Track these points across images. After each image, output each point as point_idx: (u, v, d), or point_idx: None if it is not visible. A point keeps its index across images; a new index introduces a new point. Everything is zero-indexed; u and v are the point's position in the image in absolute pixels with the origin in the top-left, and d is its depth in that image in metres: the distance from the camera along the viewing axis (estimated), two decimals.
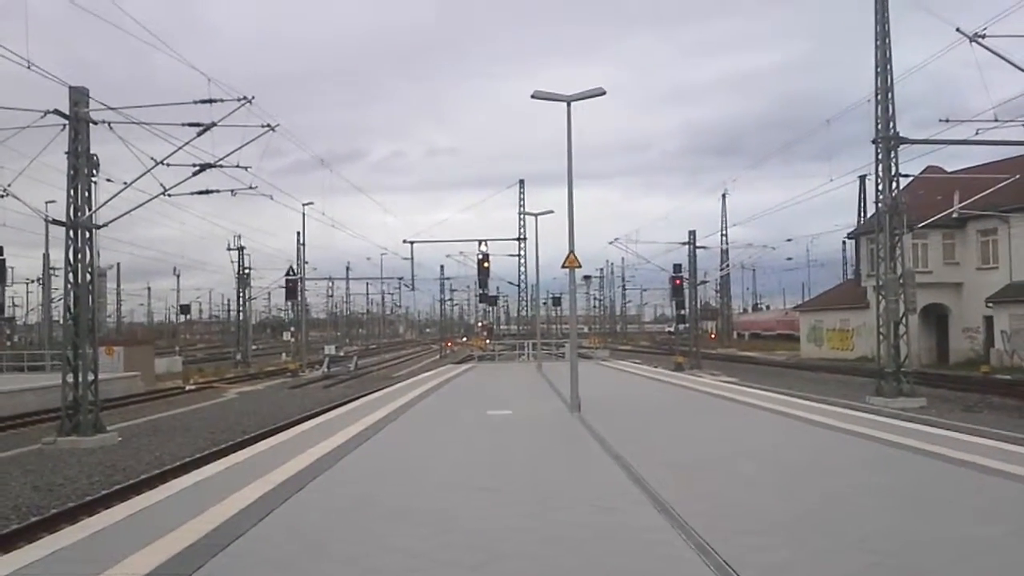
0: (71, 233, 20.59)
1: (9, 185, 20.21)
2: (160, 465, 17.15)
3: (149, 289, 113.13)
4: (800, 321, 63.83)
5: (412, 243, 56.22)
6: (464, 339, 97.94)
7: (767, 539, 6.53)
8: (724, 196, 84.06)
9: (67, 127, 20.12)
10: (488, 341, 64.35)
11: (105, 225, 21.66)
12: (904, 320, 28.77)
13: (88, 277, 20.94)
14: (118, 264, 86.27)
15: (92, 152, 20.61)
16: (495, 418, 16.25)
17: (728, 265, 76.43)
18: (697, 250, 52.75)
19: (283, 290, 57.86)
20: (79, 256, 20.69)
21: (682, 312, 56.01)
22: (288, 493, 8.63)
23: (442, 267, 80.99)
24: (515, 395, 22.01)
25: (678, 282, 52.43)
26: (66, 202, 20.68)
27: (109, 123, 20.46)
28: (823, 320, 57.87)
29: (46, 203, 33.86)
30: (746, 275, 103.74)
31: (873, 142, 28.66)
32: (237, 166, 21.86)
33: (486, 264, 49.21)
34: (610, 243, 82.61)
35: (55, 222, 21.94)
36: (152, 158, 20.88)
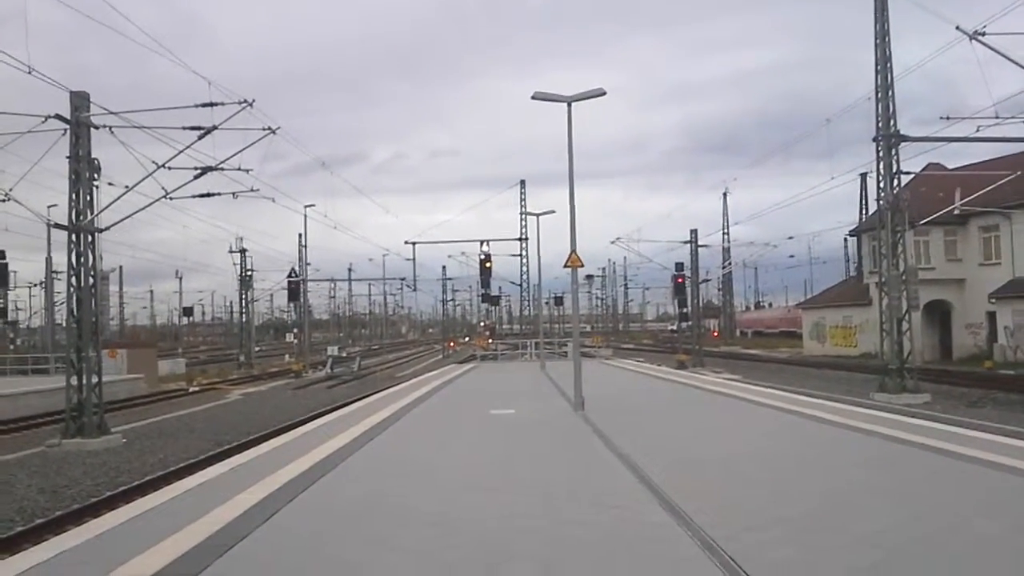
0: (73, 237, 20.62)
1: (11, 189, 20.32)
2: (164, 467, 17.16)
3: (152, 292, 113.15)
4: (803, 318, 63.82)
5: (414, 244, 56.27)
6: (467, 339, 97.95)
7: (773, 536, 6.52)
8: (725, 194, 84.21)
9: (68, 131, 20.16)
10: (491, 341, 64.36)
11: (107, 228, 21.74)
12: (907, 316, 28.74)
13: (91, 280, 20.96)
14: (120, 267, 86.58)
15: (93, 156, 20.66)
16: (499, 417, 16.26)
17: (730, 263, 76.57)
18: (699, 248, 52.87)
19: (286, 292, 57.89)
20: (81, 259, 20.72)
21: (684, 310, 55.99)
22: (292, 494, 8.64)
23: (444, 267, 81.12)
24: (518, 394, 22.01)
25: (680, 280, 52.48)
26: (68, 206, 20.73)
27: (110, 127, 20.49)
28: (826, 317, 57.83)
29: (48, 207, 34.02)
30: (748, 273, 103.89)
31: (874, 140, 28.66)
32: (238, 169, 21.88)
33: (488, 264, 49.20)
34: (612, 242, 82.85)
35: (57, 226, 21.98)
36: (153, 161, 20.94)
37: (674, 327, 76.83)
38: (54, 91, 19.72)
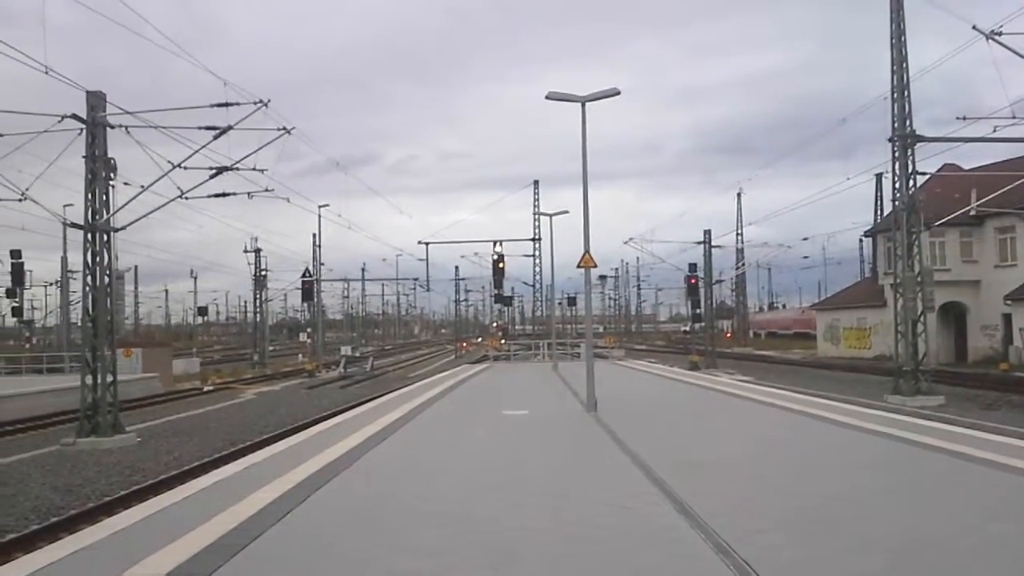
0: (89, 236, 20.74)
1: (27, 189, 20.41)
2: (179, 466, 17.24)
3: (167, 291, 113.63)
4: (817, 320, 63.52)
5: (427, 244, 56.34)
6: (479, 339, 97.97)
7: (785, 538, 6.51)
8: (739, 195, 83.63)
9: (84, 131, 20.28)
10: (503, 341, 64.36)
11: (123, 228, 21.82)
12: (922, 318, 28.60)
13: (106, 280, 21.08)
14: (136, 267, 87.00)
15: (110, 156, 20.77)
16: (511, 418, 16.26)
17: (744, 264, 76.23)
18: (712, 249, 52.74)
19: (299, 291, 57.98)
20: (97, 259, 20.83)
21: (698, 311, 55.83)
22: (306, 493, 8.66)
23: (457, 268, 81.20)
24: (531, 395, 22.01)
25: (693, 281, 52.35)
26: (84, 205, 20.84)
27: (126, 127, 20.60)
28: (840, 319, 57.55)
29: (64, 206, 34.07)
30: (762, 274, 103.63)
31: (889, 140, 28.53)
32: (253, 169, 21.97)
33: (501, 265, 49.20)
34: (625, 243, 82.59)
35: (73, 225, 22.11)
36: (169, 161, 21.06)
37: (687, 328, 76.63)
38: (71, 91, 19.86)
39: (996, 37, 24.21)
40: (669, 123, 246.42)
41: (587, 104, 17.27)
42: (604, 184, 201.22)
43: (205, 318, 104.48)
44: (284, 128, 21.18)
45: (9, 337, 75.47)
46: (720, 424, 15.10)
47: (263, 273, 62.33)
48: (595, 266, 18.34)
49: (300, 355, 67.14)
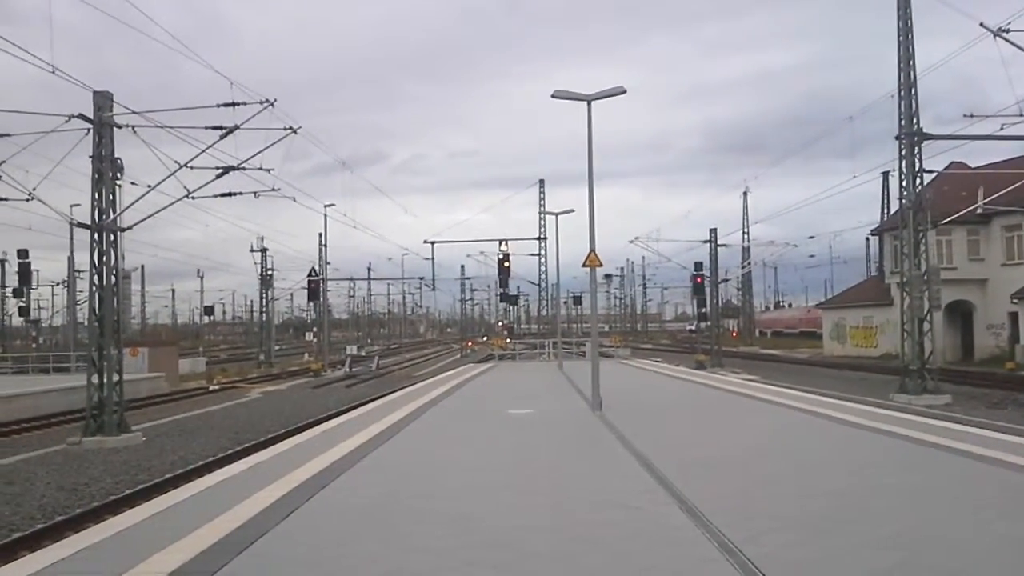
0: (96, 236, 20.77)
1: (35, 189, 20.48)
2: (184, 464, 17.26)
3: (173, 291, 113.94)
4: (823, 318, 63.41)
5: (433, 243, 56.35)
6: (485, 338, 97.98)
7: (792, 537, 6.48)
8: (745, 194, 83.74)
9: (91, 131, 20.29)
10: (509, 340, 64.37)
11: (129, 228, 21.83)
12: (928, 317, 28.53)
13: (113, 279, 21.10)
14: (142, 266, 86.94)
15: (116, 156, 20.78)
16: (517, 417, 16.25)
17: (750, 263, 76.17)
18: (718, 248, 52.67)
19: (305, 291, 58.02)
20: (104, 258, 20.86)
21: (703, 310, 55.79)
22: (311, 492, 8.66)
23: (463, 267, 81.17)
24: (536, 394, 22.00)
25: (699, 280, 52.26)
26: (91, 205, 20.85)
27: (133, 127, 20.61)
28: (846, 317, 57.44)
29: (71, 206, 34.14)
30: (768, 273, 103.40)
31: (896, 138, 28.46)
32: (260, 168, 21.92)
33: (506, 264, 49.20)
34: (631, 242, 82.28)
35: (80, 225, 22.15)
36: (176, 161, 21.06)
37: (693, 327, 76.57)
38: (78, 91, 19.88)
39: (1004, 35, 24.11)
40: (676, 121, 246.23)
41: (593, 103, 17.24)
42: (610, 183, 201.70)
43: (211, 317, 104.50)
44: (290, 127, 21.15)
45: (16, 336, 75.65)
46: (726, 423, 15.06)
47: (269, 273, 62.46)
48: (601, 265, 18.32)
49: (306, 354, 67.28)
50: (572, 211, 34.05)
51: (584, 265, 18.08)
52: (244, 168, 21.73)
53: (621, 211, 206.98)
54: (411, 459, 11.18)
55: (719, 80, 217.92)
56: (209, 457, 18.07)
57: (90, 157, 20.59)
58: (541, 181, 68.39)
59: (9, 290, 60.34)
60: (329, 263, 61.94)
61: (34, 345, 61.32)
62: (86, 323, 33.20)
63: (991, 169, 41.08)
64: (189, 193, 21.68)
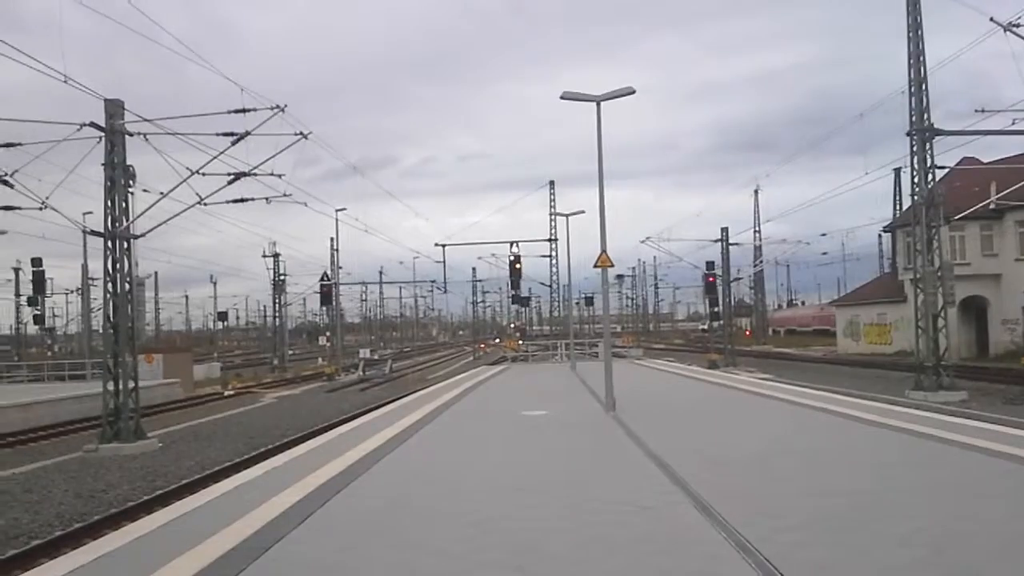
0: (109, 243, 20.88)
1: (48, 197, 20.61)
2: (201, 470, 17.33)
3: (187, 297, 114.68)
4: (836, 316, 63.17)
5: (444, 246, 56.50)
6: (497, 341, 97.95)
7: (808, 536, 6.47)
8: (756, 192, 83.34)
9: (103, 139, 20.41)
10: (521, 342, 64.33)
11: (142, 235, 21.96)
12: (943, 313, 28.41)
13: (127, 286, 21.21)
14: (156, 273, 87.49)
15: (128, 163, 20.88)
16: (530, 418, 16.24)
17: (762, 261, 75.90)
18: (730, 247, 52.57)
19: (318, 295, 58.14)
20: (117, 266, 20.97)
21: (716, 309, 55.64)
22: (326, 496, 8.69)
23: (474, 269, 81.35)
24: (549, 395, 21.99)
25: (711, 279, 52.15)
26: (103, 213, 20.96)
27: (145, 135, 20.70)
28: (860, 315, 57.21)
29: (84, 214, 34.26)
30: (780, 271, 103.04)
31: (908, 134, 28.35)
32: (271, 174, 22.02)
33: (518, 265, 49.19)
34: (642, 242, 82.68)
35: (93, 233, 22.29)
36: (187, 168, 21.13)
37: (705, 326, 76.38)
38: (90, 100, 19.99)
39: (1014, 29, 24.02)
40: (686, 121, 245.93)
41: (602, 103, 17.23)
42: (621, 183, 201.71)
43: (225, 323, 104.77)
44: (301, 133, 21.24)
45: (31, 344, 76.07)
46: (740, 422, 15.02)
47: (282, 278, 62.58)
48: (612, 265, 18.30)
49: (319, 359, 67.36)
50: (583, 212, 33.99)
51: (595, 266, 18.07)
52: (255, 174, 21.82)
53: (632, 211, 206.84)
54: (426, 462, 11.20)
55: (727, 79, 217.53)
56: (225, 462, 18.15)
57: (102, 165, 20.71)
58: (552, 182, 68.63)
59: (24, 298, 60.64)
60: (341, 267, 62.22)
61: (49, 353, 61.68)
62: (100, 330, 33.34)
63: (1003, 164, 40.80)
64: (201, 200, 21.75)
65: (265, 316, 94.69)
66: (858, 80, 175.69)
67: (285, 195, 23.93)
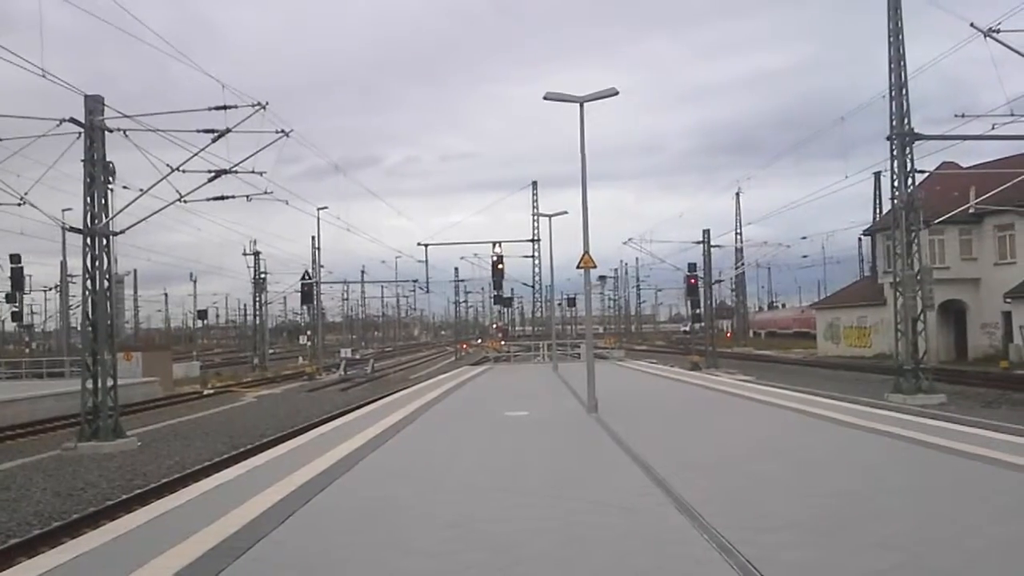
0: (88, 240, 20.72)
1: (26, 193, 20.43)
2: (180, 469, 17.23)
3: (166, 295, 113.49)
4: (817, 319, 63.57)
5: (426, 246, 56.26)
6: (479, 341, 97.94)
7: (790, 538, 6.49)
8: (738, 194, 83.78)
9: (83, 135, 20.25)
10: (503, 343, 64.34)
11: (122, 232, 21.77)
12: (922, 316, 28.59)
13: (106, 284, 21.05)
14: (135, 270, 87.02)
15: (108, 160, 20.72)
16: (513, 419, 16.25)
17: (743, 263, 76.27)
18: (712, 249, 52.66)
19: (299, 294, 58.04)
20: (96, 263, 20.81)
21: (697, 311, 55.84)
22: (308, 496, 8.65)
23: (456, 269, 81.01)
24: (532, 396, 22.00)
25: (693, 281, 52.36)
26: (83, 209, 20.81)
27: (124, 131, 20.57)
28: (840, 317, 57.58)
29: (63, 211, 34.21)
30: (761, 273, 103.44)
31: (888, 138, 28.51)
32: (252, 172, 21.90)
33: (500, 266, 49.19)
34: (624, 243, 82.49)
35: (72, 229, 22.10)
36: (168, 165, 21.01)
37: (687, 328, 76.60)
38: (69, 95, 19.83)
39: (994, 35, 24.22)
40: (670, 123, 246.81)
41: (586, 104, 17.26)
42: (604, 184, 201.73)
43: (205, 321, 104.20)
44: (282, 131, 21.15)
45: (9, 342, 75.47)
46: (722, 424, 15.07)
47: (262, 276, 62.32)
48: (595, 267, 18.33)
49: (300, 358, 67.15)
50: (566, 213, 34.12)
51: (578, 267, 18.11)
52: (236, 171, 21.72)
53: (615, 212, 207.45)
54: (408, 462, 11.17)
55: (712, 82, 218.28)
56: (205, 462, 18.05)
57: (82, 161, 20.54)
58: (534, 183, 68.41)
59: (2, 295, 60.07)
60: (323, 266, 61.90)
61: (27, 350, 61.13)
62: (79, 328, 33.07)
63: (983, 168, 41.24)
64: (181, 197, 21.62)
65: (245, 315, 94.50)
66: (843, 84, 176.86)
67: (266, 193, 23.82)
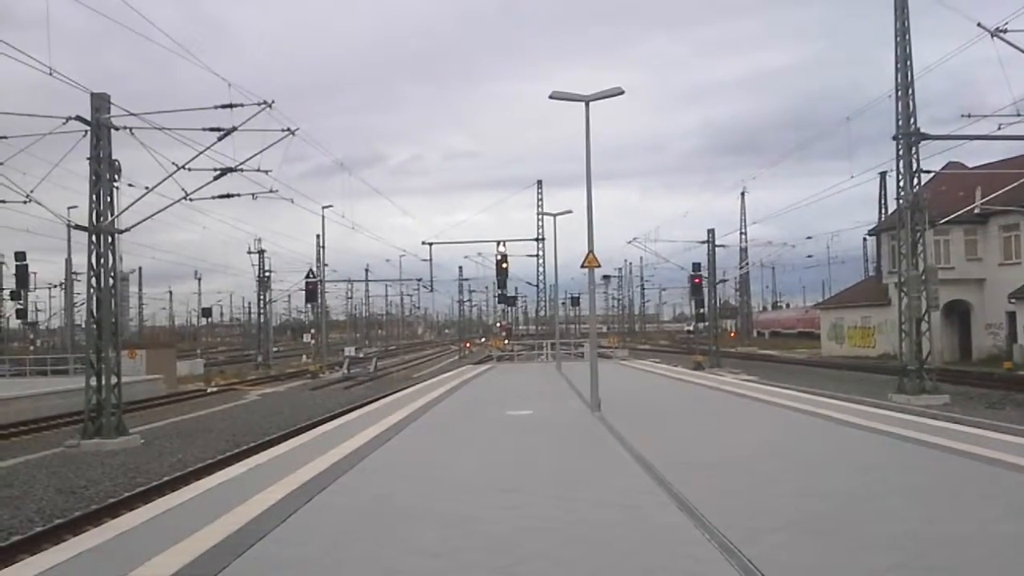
0: (93, 238, 20.75)
1: (32, 191, 20.46)
2: (183, 467, 17.24)
3: (171, 293, 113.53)
4: (821, 319, 63.46)
5: (431, 244, 56.38)
6: (483, 340, 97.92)
7: (791, 538, 6.48)
8: (743, 194, 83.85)
9: (89, 133, 20.28)
10: (507, 341, 64.31)
11: (127, 230, 21.80)
12: (926, 317, 28.55)
13: (110, 281, 21.08)
14: (140, 268, 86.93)
15: (114, 158, 20.75)
16: (515, 418, 16.24)
17: (747, 263, 76.27)
18: (716, 248, 52.66)
19: (303, 292, 58.01)
20: (101, 260, 20.84)
21: (701, 311, 55.78)
22: (310, 494, 8.66)
23: (461, 268, 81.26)
24: (535, 395, 21.99)
25: (697, 281, 52.27)
26: (88, 207, 20.84)
27: (131, 129, 20.59)
28: (844, 318, 57.48)
29: (68, 208, 34.22)
30: (765, 273, 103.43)
31: (894, 138, 28.45)
32: (258, 170, 21.90)
33: (504, 265, 49.12)
34: (629, 243, 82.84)
35: (78, 227, 22.15)
36: (174, 163, 21.04)
37: (691, 328, 76.57)
38: (75, 93, 19.87)
39: (1001, 34, 24.13)
40: (674, 123, 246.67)
41: (591, 104, 17.23)
42: (608, 184, 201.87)
43: (209, 320, 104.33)
44: (288, 129, 21.14)
45: (14, 339, 75.57)
46: (725, 424, 15.06)
47: (267, 274, 62.42)
48: (599, 266, 18.29)
49: (304, 356, 67.21)
50: (570, 212, 33.98)
51: (582, 266, 18.07)
52: (242, 170, 21.74)
53: (619, 212, 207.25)
54: (410, 461, 11.18)
55: (717, 81, 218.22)
56: (208, 460, 18.05)
57: (88, 159, 20.57)
58: (539, 182, 68.68)
59: (7, 292, 60.21)
60: (327, 265, 62.05)
61: (32, 347, 61.22)
62: (84, 325, 33.11)
63: (988, 169, 41.14)
64: (187, 195, 21.65)
65: (250, 313, 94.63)
66: (847, 84, 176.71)
67: (271, 191, 23.84)
